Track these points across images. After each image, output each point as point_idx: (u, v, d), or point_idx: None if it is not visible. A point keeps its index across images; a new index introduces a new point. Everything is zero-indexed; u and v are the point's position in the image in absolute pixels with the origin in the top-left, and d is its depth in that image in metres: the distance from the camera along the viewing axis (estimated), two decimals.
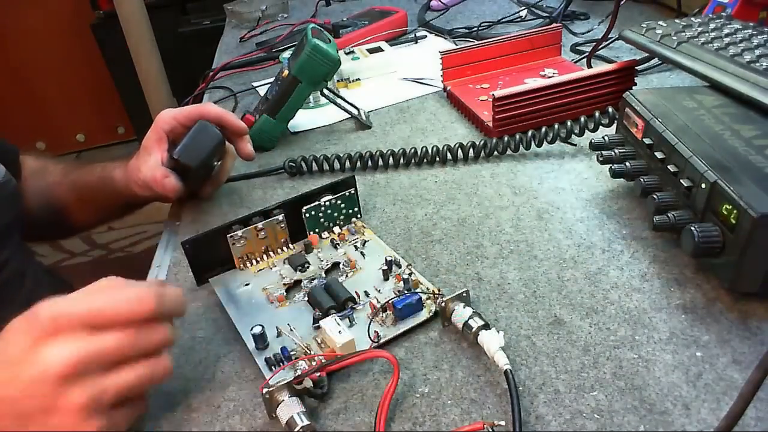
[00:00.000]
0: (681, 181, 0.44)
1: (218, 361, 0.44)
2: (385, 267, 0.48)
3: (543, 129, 0.62)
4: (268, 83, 0.79)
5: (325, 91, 0.73)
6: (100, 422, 0.34)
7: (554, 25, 0.86)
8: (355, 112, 0.76)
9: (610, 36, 0.75)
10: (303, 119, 0.79)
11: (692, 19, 0.65)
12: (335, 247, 0.52)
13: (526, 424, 0.36)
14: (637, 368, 0.38)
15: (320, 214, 0.53)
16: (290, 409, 0.36)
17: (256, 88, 0.93)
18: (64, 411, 0.33)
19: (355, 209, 0.55)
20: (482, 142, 0.63)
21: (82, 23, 2.47)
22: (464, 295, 0.43)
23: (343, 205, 0.54)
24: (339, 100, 0.75)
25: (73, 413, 0.33)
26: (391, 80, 0.88)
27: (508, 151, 0.63)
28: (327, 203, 0.53)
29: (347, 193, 0.54)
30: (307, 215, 0.52)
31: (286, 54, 0.91)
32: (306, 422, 0.36)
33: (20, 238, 0.68)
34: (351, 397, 0.39)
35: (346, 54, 0.91)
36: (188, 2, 2.37)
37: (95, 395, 0.33)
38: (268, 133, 0.72)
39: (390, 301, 0.44)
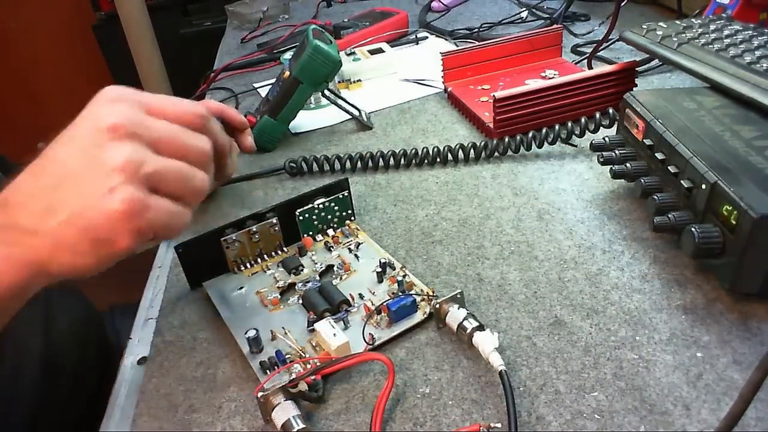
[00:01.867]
0: (681, 182, 0.44)
1: (219, 362, 0.44)
2: (379, 269, 0.48)
3: (543, 130, 0.62)
4: (269, 84, 0.79)
5: (326, 92, 0.73)
6: (133, 193, 0.32)
7: (555, 26, 0.86)
8: (356, 113, 0.76)
9: (610, 37, 0.76)
10: (304, 120, 0.79)
11: (693, 20, 0.65)
12: (329, 250, 0.52)
13: (527, 425, 0.36)
14: (638, 369, 0.38)
15: (314, 217, 0.53)
16: (286, 412, 0.36)
17: (257, 89, 0.93)
18: (100, 166, 0.32)
19: (349, 211, 0.55)
20: (482, 143, 0.63)
21: (83, 24, 2.47)
22: (458, 296, 0.42)
23: (336, 208, 0.54)
24: (340, 101, 0.75)
25: (108, 171, 0.32)
26: (392, 81, 0.88)
27: (509, 152, 0.63)
28: (320, 206, 0.53)
29: (341, 196, 0.54)
30: (301, 218, 0.52)
31: (287, 55, 0.91)
32: (301, 425, 0.36)
33: None
34: (352, 398, 0.39)
35: (347, 55, 0.91)
36: (189, 3, 2.37)
37: (136, 159, 0.33)
38: (269, 134, 0.73)
39: (384, 304, 0.44)
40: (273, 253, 0.52)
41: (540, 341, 0.41)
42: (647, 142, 0.50)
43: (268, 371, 0.41)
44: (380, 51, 0.93)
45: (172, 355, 0.45)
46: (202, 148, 0.37)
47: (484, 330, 0.40)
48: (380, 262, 0.48)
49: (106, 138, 0.33)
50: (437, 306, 0.42)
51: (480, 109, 0.71)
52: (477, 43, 0.85)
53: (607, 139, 0.55)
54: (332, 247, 0.52)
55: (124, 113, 0.34)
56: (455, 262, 0.50)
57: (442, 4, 1.15)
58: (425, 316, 0.44)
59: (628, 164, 0.51)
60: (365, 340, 0.42)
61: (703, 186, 0.42)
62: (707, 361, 0.38)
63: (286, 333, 0.44)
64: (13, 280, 0.33)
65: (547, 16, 1.00)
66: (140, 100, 0.36)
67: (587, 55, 0.80)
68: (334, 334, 0.41)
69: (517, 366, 0.40)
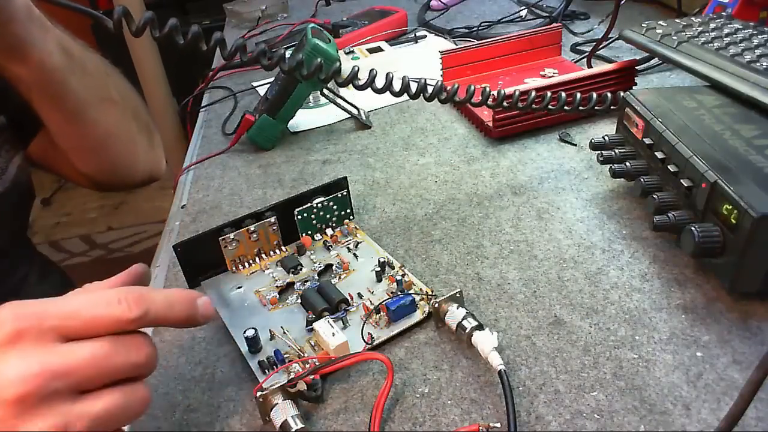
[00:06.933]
0: (681, 181, 0.44)
1: (218, 361, 0.44)
2: (378, 268, 0.48)
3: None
4: (268, 83, 0.79)
5: (325, 91, 0.73)
6: None
7: (554, 24, 0.86)
8: (355, 111, 0.76)
9: (610, 36, 0.75)
10: (303, 119, 0.78)
11: (692, 18, 0.65)
12: (328, 249, 0.52)
13: (527, 424, 0.36)
14: (638, 368, 0.38)
15: (312, 216, 0.53)
16: (284, 412, 0.36)
17: (256, 88, 0.93)
18: None
19: (348, 210, 0.55)
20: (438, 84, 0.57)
21: (81, 23, 2.47)
22: (457, 295, 0.42)
23: (335, 207, 0.54)
24: (339, 100, 0.75)
25: None
26: None
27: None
28: (319, 205, 0.53)
29: (339, 195, 0.53)
30: (300, 217, 0.52)
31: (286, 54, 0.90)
32: (300, 425, 0.36)
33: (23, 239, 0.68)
34: (351, 398, 0.39)
35: (346, 54, 0.91)
36: (188, 2, 2.37)
37: (61, 426, 0.26)
38: (267, 132, 0.72)
39: (383, 303, 0.44)
40: (271, 252, 0.52)
41: (539, 341, 0.41)
42: (647, 141, 0.50)
43: (266, 371, 0.41)
44: (379, 50, 0.93)
45: (170, 355, 0.45)
46: (137, 360, 0.30)
47: (483, 329, 0.40)
48: (379, 261, 0.48)
49: (14, 417, 0.26)
50: (436, 305, 0.42)
51: (479, 108, 0.71)
52: (476, 42, 0.84)
53: (606, 137, 0.55)
54: (331, 246, 0.52)
55: (31, 365, 0.26)
56: (454, 262, 0.50)
57: (441, 2, 1.15)
58: (424, 315, 0.44)
59: (627, 163, 0.51)
60: (364, 340, 0.42)
61: (703, 185, 0.42)
62: (707, 360, 0.38)
63: (284, 332, 0.44)
64: None
65: (547, 14, 1.00)
66: (48, 324, 0.27)
67: (587, 53, 0.80)
68: (333, 334, 0.41)
69: (517, 365, 0.40)
